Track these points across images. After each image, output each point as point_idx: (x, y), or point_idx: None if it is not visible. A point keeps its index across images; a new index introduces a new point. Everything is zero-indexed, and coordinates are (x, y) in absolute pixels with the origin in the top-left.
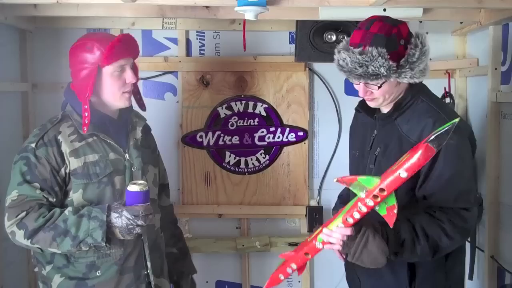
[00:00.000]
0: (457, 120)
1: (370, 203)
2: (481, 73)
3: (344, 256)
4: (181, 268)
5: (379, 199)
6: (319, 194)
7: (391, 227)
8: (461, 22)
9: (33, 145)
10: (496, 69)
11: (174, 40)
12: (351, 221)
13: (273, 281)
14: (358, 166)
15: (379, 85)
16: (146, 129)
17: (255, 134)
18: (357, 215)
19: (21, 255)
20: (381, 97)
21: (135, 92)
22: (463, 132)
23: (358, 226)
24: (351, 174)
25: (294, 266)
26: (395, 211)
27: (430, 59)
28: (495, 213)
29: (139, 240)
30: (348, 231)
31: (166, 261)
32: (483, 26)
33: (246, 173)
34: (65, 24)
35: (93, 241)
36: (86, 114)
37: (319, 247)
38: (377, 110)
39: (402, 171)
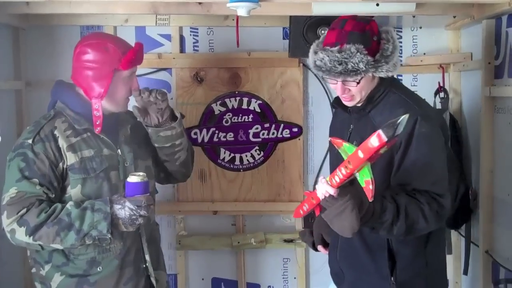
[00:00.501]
0: (407, 116)
1: (344, 171)
2: (474, 68)
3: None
4: None
5: (349, 171)
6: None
7: (370, 200)
8: (454, 17)
9: (29, 141)
10: (489, 63)
11: (168, 37)
12: (334, 182)
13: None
14: (336, 158)
15: (357, 81)
16: (136, 126)
17: (249, 131)
18: (337, 179)
19: (16, 255)
20: (358, 94)
21: None
22: (435, 121)
23: (346, 192)
24: (332, 165)
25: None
26: (371, 186)
27: (424, 54)
28: (489, 208)
29: (137, 233)
30: (331, 191)
31: None
32: (476, 20)
33: (241, 170)
34: (58, 22)
35: (98, 233)
36: (98, 114)
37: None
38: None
39: (359, 151)
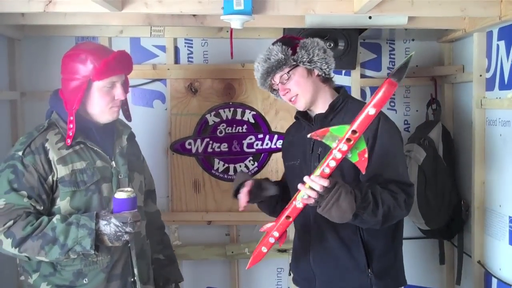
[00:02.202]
0: (413, 53)
1: (344, 147)
2: (466, 80)
3: (317, 208)
4: (167, 275)
5: (352, 142)
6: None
7: (363, 172)
8: (446, 30)
9: (20, 153)
10: (481, 75)
11: (162, 48)
12: (327, 171)
13: (257, 256)
14: (301, 172)
15: (287, 72)
16: (131, 137)
17: (243, 141)
18: (333, 163)
19: (10, 263)
20: (299, 92)
21: (123, 102)
22: (392, 121)
23: (333, 181)
24: (291, 182)
25: (276, 234)
26: (366, 155)
27: (417, 66)
28: (481, 219)
29: (126, 247)
30: (326, 182)
31: (153, 267)
32: (468, 33)
33: None
34: (53, 32)
35: (81, 249)
36: (71, 126)
37: (300, 207)
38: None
39: (370, 109)
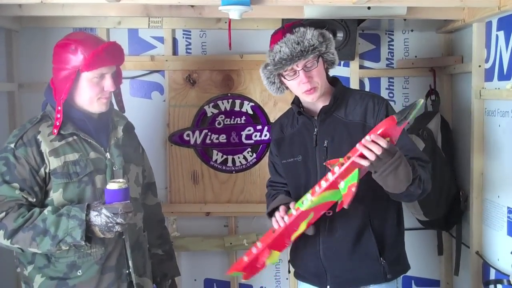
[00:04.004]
0: (422, 101)
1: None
2: (465, 71)
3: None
4: (165, 270)
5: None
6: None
7: (345, 206)
8: (445, 20)
9: (12, 145)
10: (480, 66)
11: (161, 39)
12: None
13: (237, 264)
14: (305, 167)
15: (316, 59)
16: (128, 128)
17: (242, 133)
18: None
19: (8, 255)
20: (318, 81)
21: (116, 93)
22: None
23: (394, 148)
24: (294, 179)
25: (259, 244)
26: (354, 189)
27: (415, 57)
28: (479, 209)
29: (120, 239)
30: (384, 144)
31: (151, 262)
32: (466, 24)
33: (234, 172)
34: (51, 24)
35: (72, 240)
36: (59, 116)
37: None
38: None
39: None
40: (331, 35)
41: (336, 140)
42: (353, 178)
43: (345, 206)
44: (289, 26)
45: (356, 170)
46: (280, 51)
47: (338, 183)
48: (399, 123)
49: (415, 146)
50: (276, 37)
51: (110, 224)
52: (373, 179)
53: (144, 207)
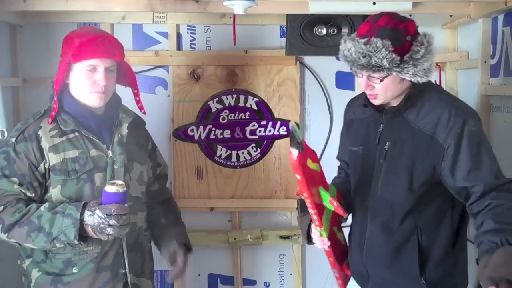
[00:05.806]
0: (292, 122)
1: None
2: (471, 66)
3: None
4: (167, 237)
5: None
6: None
7: (344, 216)
8: (451, 15)
9: (13, 139)
10: (485, 62)
11: (165, 34)
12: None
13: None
14: (363, 162)
15: (381, 78)
16: (136, 125)
17: (246, 128)
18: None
19: (12, 250)
20: (382, 94)
21: (134, 93)
22: (478, 119)
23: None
24: (353, 170)
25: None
26: (335, 203)
27: None
28: None
29: (117, 238)
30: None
31: (158, 231)
32: (472, 19)
33: (238, 167)
34: (55, 19)
35: (66, 239)
36: (55, 106)
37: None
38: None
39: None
40: (430, 52)
41: (398, 147)
42: (325, 197)
43: (345, 217)
44: (366, 25)
45: (320, 188)
46: (348, 51)
47: (322, 205)
48: (300, 151)
49: (490, 169)
50: (362, 28)
51: (102, 225)
52: (427, 192)
53: (148, 192)
